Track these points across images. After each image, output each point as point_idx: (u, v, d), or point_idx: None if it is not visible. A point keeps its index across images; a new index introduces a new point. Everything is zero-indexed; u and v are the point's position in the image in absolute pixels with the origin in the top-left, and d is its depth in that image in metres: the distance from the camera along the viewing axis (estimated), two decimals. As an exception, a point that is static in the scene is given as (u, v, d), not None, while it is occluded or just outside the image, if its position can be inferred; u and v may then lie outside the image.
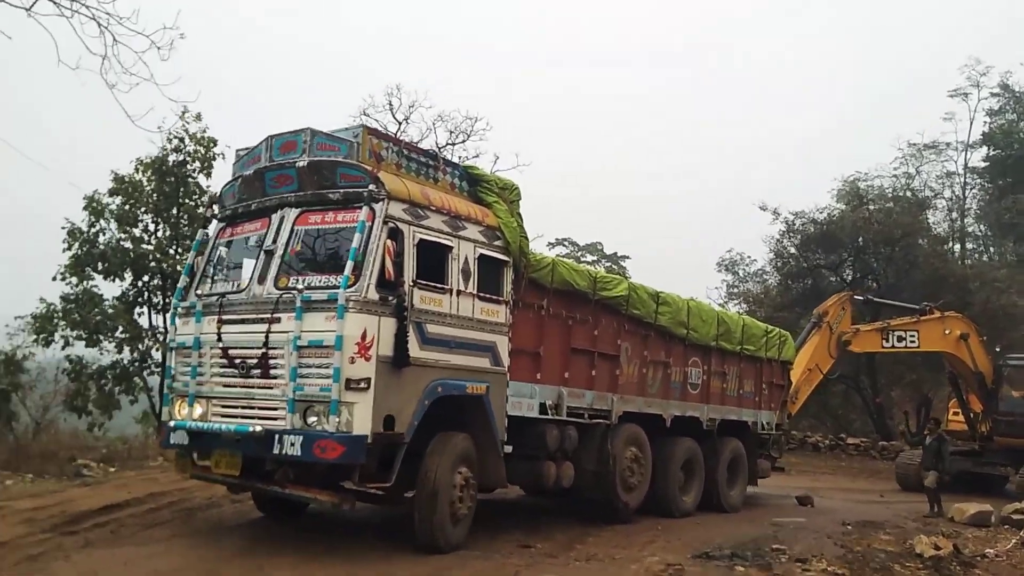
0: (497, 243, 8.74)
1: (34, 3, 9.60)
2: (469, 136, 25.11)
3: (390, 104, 24.23)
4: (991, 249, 40.48)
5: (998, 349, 18.70)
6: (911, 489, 17.26)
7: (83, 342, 14.86)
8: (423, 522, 7.73)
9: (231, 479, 7.76)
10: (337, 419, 6.98)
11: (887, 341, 17.10)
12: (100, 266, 15.00)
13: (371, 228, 7.43)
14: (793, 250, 28.48)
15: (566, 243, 44.79)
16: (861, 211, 27.50)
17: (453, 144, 24.69)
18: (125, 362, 15.12)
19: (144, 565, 7.07)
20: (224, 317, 7.78)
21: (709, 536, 10.00)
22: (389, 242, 7.39)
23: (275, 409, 7.33)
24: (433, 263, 8.04)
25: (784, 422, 14.88)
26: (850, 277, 27.79)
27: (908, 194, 34.48)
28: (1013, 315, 26.74)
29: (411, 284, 7.64)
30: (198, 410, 7.86)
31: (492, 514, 9.59)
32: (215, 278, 8.50)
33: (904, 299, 19.88)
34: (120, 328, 14.92)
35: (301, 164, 7.82)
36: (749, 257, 32.65)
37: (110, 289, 15.43)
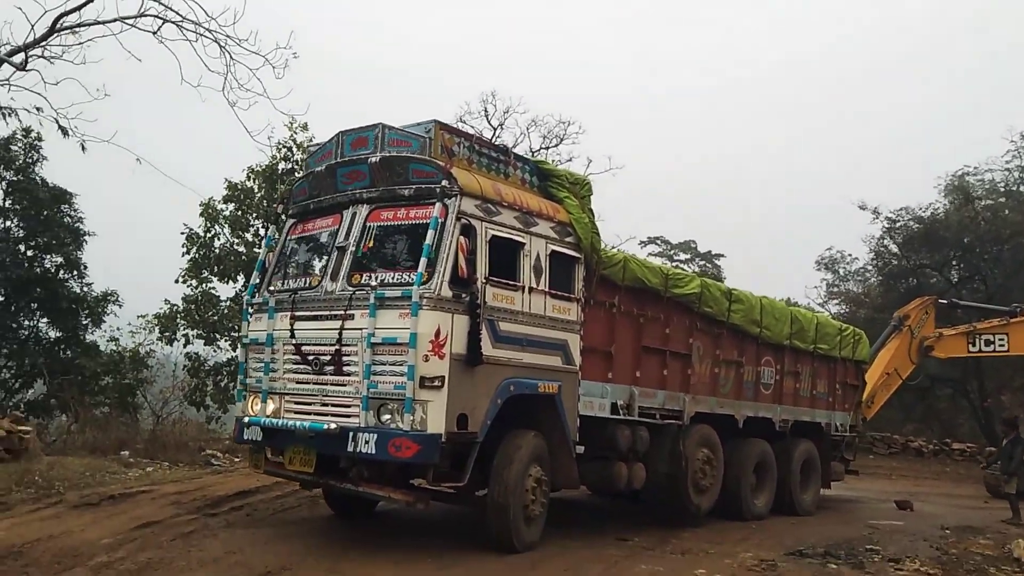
0: (568, 239, 8.59)
1: (160, 27, 10.36)
2: (562, 140, 25.25)
3: (485, 111, 24.61)
4: None
5: None
6: (1000, 496, 16.62)
7: (202, 340, 15.67)
8: (496, 521, 7.63)
9: (305, 476, 7.75)
10: (411, 417, 6.91)
11: (973, 345, 16.35)
12: (216, 269, 15.68)
13: (444, 224, 7.34)
14: (895, 249, 27.34)
15: (658, 242, 44.01)
16: (967, 209, 25.97)
17: (547, 148, 24.89)
18: (239, 359, 15.68)
19: (283, 544, 7.73)
20: (297, 313, 7.77)
21: (803, 536, 10.07)
22: (462, 239, 7.30)
23: (349, 406, 7.29)
24: (505, 260, 7.92)
25: (858, 424, 14.42)
26: (956, 278, 26.48)
27: (1022, 188, 32.79)
28: None
29: (483, 281, 7.53)
30: (271, 406, 7.87)
31: (570, 511, 9.46)
32: (287, 274, 8.52)
33: (1015, 301, 18.87)
34: (234, 327, 15.45)
35: (373, 160, 7.77)
36: (850, 255, 31.12)
37: (225, 290, 16.16)
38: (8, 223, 17.00)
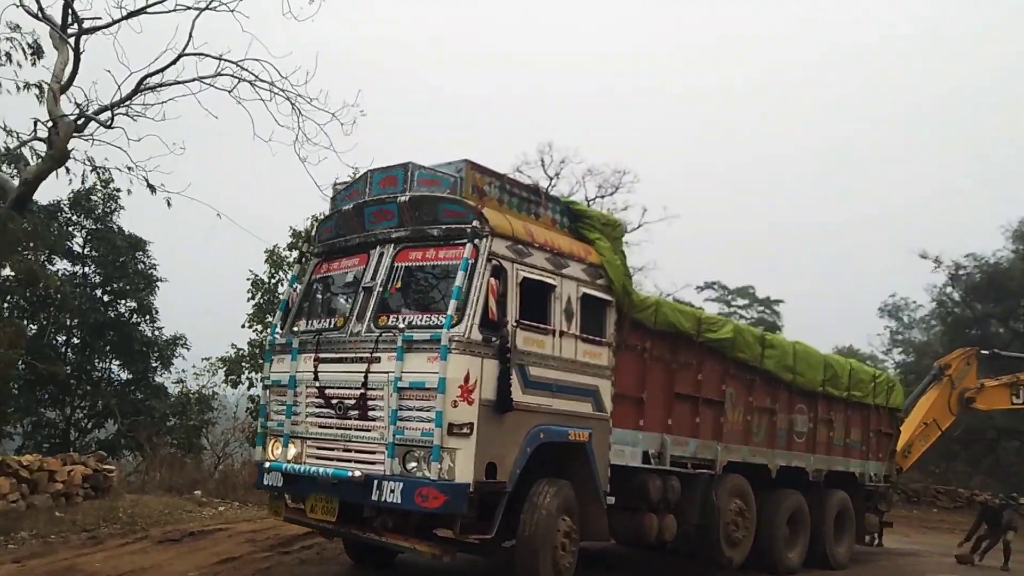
0: (600, 281, 8.36)
1: (235, 86, 11.10)
2: (617, 189, 25.60)
3: (542, 161, 25.06)
4: None
5: None
6: None
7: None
8: (525, 573, 7.30)
9: (327, 525, 7.47)
10: (439, 466, 6.64)
11: (1017, 397, 15.82)
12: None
13: (474, 266, 7.13)
14: (957, 298, 26.98)
15: (715, 287, 43.38)
16: None
17: (602, 197, 25.36)
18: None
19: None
20: (321, 355, 7.56)
21: None
22: (492, 280, 7.08)
23: (373, 453, 7.04)
24: (535, 302, 7.69)
25: (892, 474, 13.96)
26: (1022, 328, 26.08)
27: None
28: None
29: (514, 324, 7.30)
30: (292, 451, 7.63)
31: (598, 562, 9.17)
32: (311, 315, 8.32)
33: None
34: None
35: (403, 199, 7.60)
36: (914, 302, 30.93)
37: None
38: (86, 269, 17.88)
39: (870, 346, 33.38)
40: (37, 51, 11.97)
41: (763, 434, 10.72)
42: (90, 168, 12.81)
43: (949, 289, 27.04)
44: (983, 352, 16.51)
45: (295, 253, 15.98)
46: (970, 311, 26.41)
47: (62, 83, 11.89)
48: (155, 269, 18.66)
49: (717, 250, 63.85)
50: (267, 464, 7.70)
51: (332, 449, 7.36)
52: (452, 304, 6.91)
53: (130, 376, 18.01)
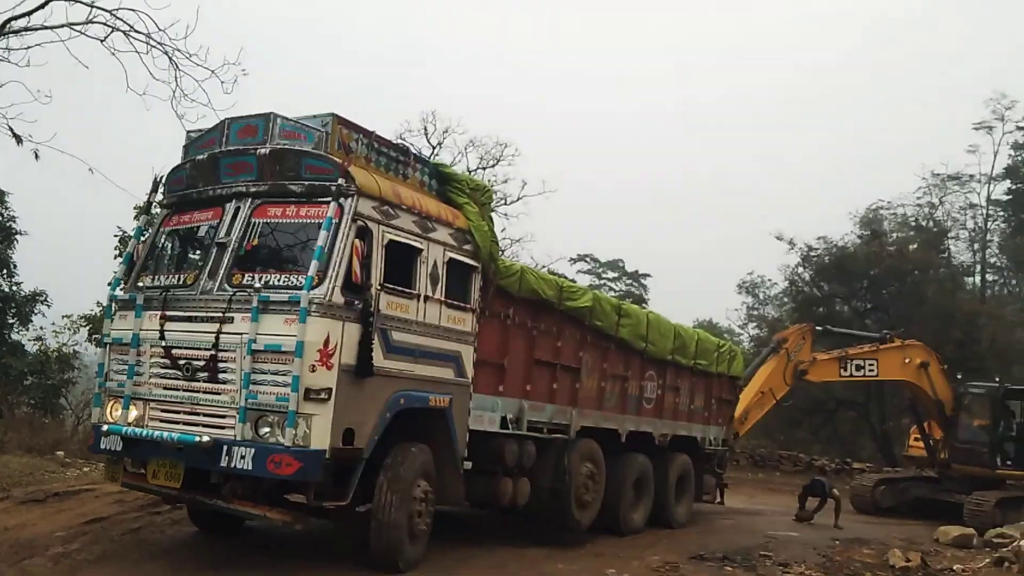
0: (467, 247, 8.27)
1: (108, 36, 10.69)
2: (499, 161, 25.49)
3: (425, 129, 24.62)
4: (1012, 282, 40.96)
5: (959, 376, 18.93)
6: (866, 512, 17.86)
7: None
8: (380, 539, 7.20)
9: (170, 491, 7.09)
10: (294, 432, 6.41)
11: (845, 370, 17.06)
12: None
13: (339, 226, 6.87)
14: (808, 278, 28.52)
15: (587, 259, 44.18)
16: (874, 244, 27.55)
17: (483, 168, 25.18)
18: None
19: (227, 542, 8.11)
20: (168, 313, 7.10)
21: (706, 544, 10.97)
22: (357, 242, 6.86)
23: (223, 417, 6.71)
24: (400, 266, 7.52)
25: (730, 439, 14.77)
26: (863, 308, 27.94)
27: (930, 224, 34.44)
28: (1020, 352, 27.57)
29: (378, 288, 7.11)
30: (133, 413, 7.16)
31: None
32: (158, 270, 7.80)
33: (915, 333, 19.89)
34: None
35: (263, 152, 7.20)
36: (770, 280, 32.38)
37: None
38: None
39: (728, 320, 35.16)
40: None
41: (615, 400, 11.03)
42: None
43: (800, 270, 28.85)
44: (818, 329, 17.67)
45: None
46: (817, 291, 28.26)
47: None
48: (14, 222, 17.95)
49: (593, 224, 65.60)
50: (105, 427, 7.20)
51: (178, 412, 6.96)
52: (313, 265, 6.64)
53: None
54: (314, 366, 6.52)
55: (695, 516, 13.45)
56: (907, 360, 17.17)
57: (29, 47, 11.19)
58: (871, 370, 17.02)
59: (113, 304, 7.64)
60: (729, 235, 69.46)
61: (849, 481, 20.28)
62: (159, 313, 7.13)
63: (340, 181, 6.94)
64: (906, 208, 35.30)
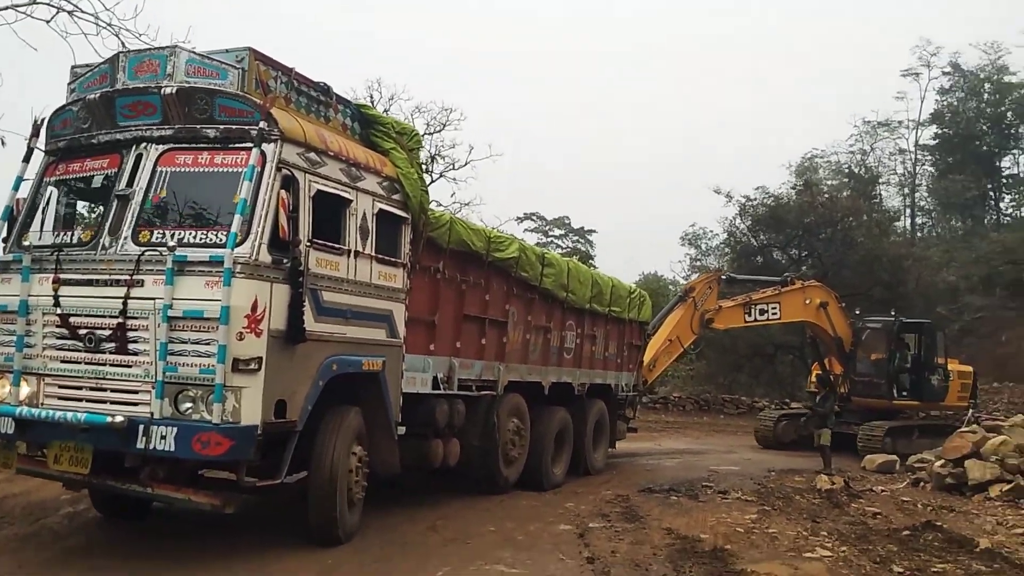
0: (396, 197, 7.66)
1: (53, 17, 10.21)
2: (444, 126, 25.41)
3: (371, 97, 23.92)
4: (940, 225, 42.58)
5: (857, 312, 19.64)
6: (769, 447, 18.73)
7: None
8: (319, 511, 6.72)
9: (77, 477, 6.29)
10: (222, 407, 5.75)
11: (750, 315, 17.30)
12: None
13: (261, 175, 6.15)
14: (745, 228, 28.92)
15: (534, 218, 43.87)
16: (806, 194, 28.20)
17: (430, 134, 24.97)
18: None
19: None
20: (64, 276, 6.22)
21: (655, 479, 12.42)
22: (283, 193, 6.17)
23: (136, 392, 5.97)
24: (327, 219, 6.86)
25: (640, 384, 14.84)
26: (797, 255, 28.56)
27: (861, 171, 35.19)
28: (944, 291, 29.19)
29: (307, 244, 6.44)
30: (25, 390, 6.30)
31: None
32: (44, 227, 6.82)
33: (844, 277, 20.44)
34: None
35: (168, 91, 6.33)
36: (711, 232, 32.71)
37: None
38: None
39: (672, 271, 35.63)
40: None
41: (539, 352, 10.75)
42: None
43: (738, 221, 29.47)
44: (723, 278, 17.92)
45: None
46: (755, 240, 28.88)
47: None
48: None
49: (539, 184, 64.57)
50: (-7, 408, 6.29)
51: (80, 388, 6.16)
52: (236, 220, 5.92)
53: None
54: (241, 333, 5.85)
55: (637, 457, 14.70)
56: (807, 301, 17.65)
57: None
58: (774, 313, 17.40)
59: None
60: (672, 189, 69.83)
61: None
62: (52, 276, 6.24)
63: (262, 124, 6.18)
64: (839, 156, 36.36)
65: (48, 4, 10.53)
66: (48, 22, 10.43)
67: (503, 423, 9.72)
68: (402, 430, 7.74)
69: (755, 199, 29.46)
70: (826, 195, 29.33)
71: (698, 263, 33.01)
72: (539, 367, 10.75)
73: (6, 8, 10.46)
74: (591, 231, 45.67)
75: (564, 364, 11.49)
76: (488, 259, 9.24)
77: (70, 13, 10.42)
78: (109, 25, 10.23)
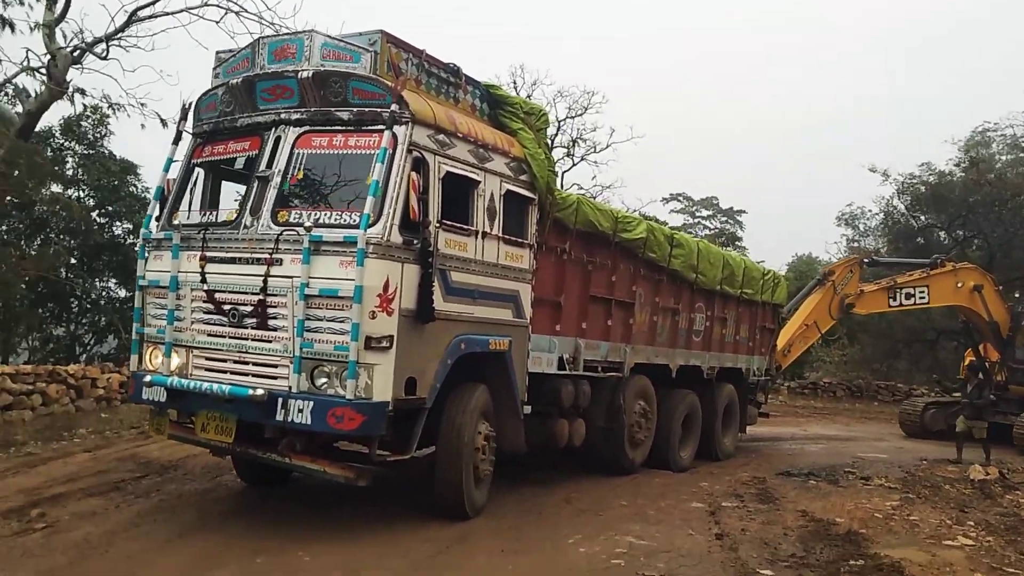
0: (523, 177, 7.64)
1: (222, 17, 12.39)
2: (586, 110, 25.68)
3: (514, 83, 24.57)
4: None
5: (1017, 295, 18.30)
6: (915, 436, 17.80)
7: None
8: (446, 485, 6.86)
9: (222, 445, 6.65)
10: (355, 383, 5.92)
11: (894, 300, 16.34)
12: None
13: (393, 157, 6.24)
14: (903, 209, 27.39)
15: (680, 199, 43.25)
16: (972, 172, 26.05)
17: (572, 118, 25.52)
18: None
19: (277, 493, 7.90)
20: (209, 254, 6.54)
21: (795, 463, 12.14)
22: (414, 175, 6.24)
23: (275, 367, 6.21)
24: (456, 200, 6.92)
25: (772, 368, 14.35)
26: (961, 236, 26.76)
27: None
28: None
29: (436, 225, 6.51)
30: (176, 361, 6.68)
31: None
32: (192, 206, 7.19)
33: (1015, 259, 18.88)
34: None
35: (305, 75, 6.51)
36: (870, 211, 30.45)
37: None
38: (80, 193, 17.55)
39: (827, 253, 34.05)
40: None
41: (666, 334, 10.56)
42: (106, 105, 13.74)
43: (895, 201, 27.64)
44: (865, 261, 17.03)
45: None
46: (914, 221, 27.27)
47: (56, 16, 12.32)
48: (148, 192, 18.07)
49: (687, 165, 63.60)
50: (148, 377, 6.71)
51: (224, 361, 6.47)
52: (369, 201, 6.03)
53: (129, 294, 17.21)
54: (374, 312, 5.99)
55: (780, 441, 14.54)
56: (959, 284, 16.48)
57: (154, 33, 12.90)
58: (922, 298, 16.35)
59: (146, 244, 7.06)
60: (830, 172, 66.79)
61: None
62: (199, 254, 6.57)
63: (393, 107, 6.28)
64: (1016, 128, 33.33)
65: (217, 6, 12.23)
66: (218, 23, 12.08)
67: (629, 405, 9.61)
68: (527, 409, 7.76)
69: (916, 176, 27.56)
70: (992, 173, 27.05)
71: (855, 244, 30.94)
72: (666, 349, 10.55)
73: (181, 11, 12.16)
74: (741, 211, 43.95)
75: (693, 347, 11.23)
76: (615, 240, 9.11)
77: (237, 13, 12.05)
78: (272, 24, 11.37)
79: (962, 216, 26.03)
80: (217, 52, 7.39)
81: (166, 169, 7.31)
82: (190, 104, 7.36)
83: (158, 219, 7.16)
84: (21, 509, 6.74)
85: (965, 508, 8.91)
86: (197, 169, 7.30)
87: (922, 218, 27.24)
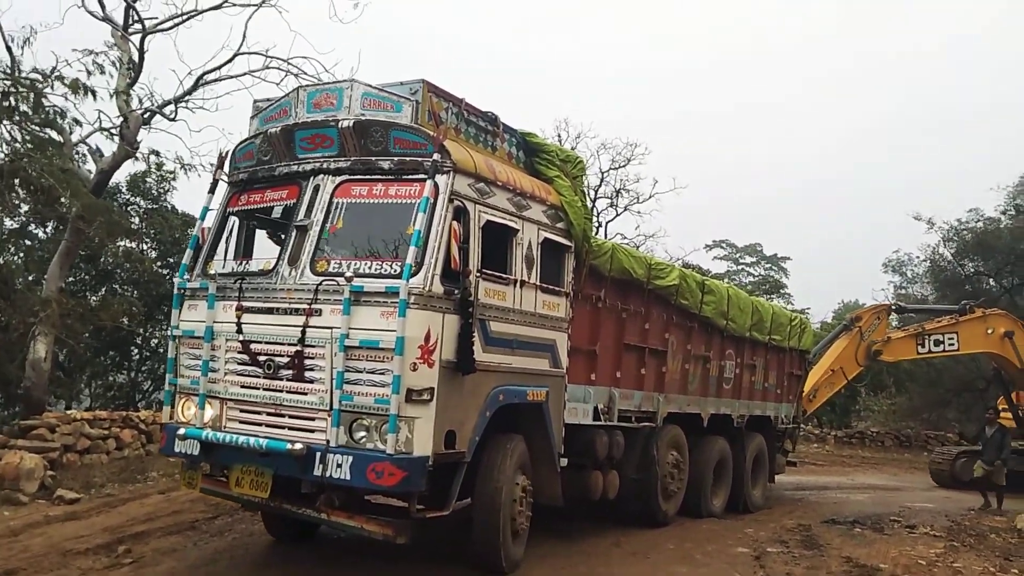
0: (559, 225, 7.57)
1: (282, 80, 12.92)
2: (629, 161, 25.75)
3: (559, 136, 24.76)
4: None
5: None
6: (944, 485, 17.41)
7: None
8: (484, 540, 6.67)
9: (255, 500, 6.49)
10: (395, 437, 5.77)
11: (923, 347, 16.15)
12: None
13: (434, 206, 6.17)
14: (950, 257, 27.25)
15: (723, 245, 43.39)
16: (1018, 220, 26.11)
17: (616, 169, 25.82)
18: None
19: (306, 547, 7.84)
20: (246, 304, 6.45)
21: (840, 511, 12.15)
22: (455, 224, 6.15)
23: (312, 419, 6.07)
24: (494, 249, 6.83)
25: (799, 415, 14.13)
26: (1010, 284, 26.55)
27: None
28: None
29: (476, 274, 6.42)
30: (209, 413, 6.55)
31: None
32: (227, 255, 7.12)
33: None
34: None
35: (345, 124, 6.48)
36: (917, 258, 30.36)
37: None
38: (143, 246, 18.44)
39: (874, 299, 33.78)
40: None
41: (697, 382, 10.40)
42: (179, 165, 14.40)
43: (941, 249, 27.43)
44: (893, 308, 16.84)
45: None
46: (961, 269, 27.00)
47: (128, 81, 13.10)
48: None
49: (728, 214, 64.28)
50: (181, 430, 6.58)
51: (259, 413, 6.34)
52: (411, 251, 5.95)
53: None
54: (415, 364, 5.86)
55: (827, 490, 14.47)
56: (989, 331, 16.25)
57: (219, 96, 13.83)
58: (951, 344, 16.12)
59: (181, 294, 6.98)
60: (875, 220, 66.98)
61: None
62: (235, 304, 6.48)
63: (435, 156, 6.22)
64: None
65: (278, 68, 13.11)
66: (279, 84, 12.81)
67: (662, 455, 9.42)
68: (564, 462, 7.59)
69: (963, 222, 27.15)
70: None
71: (902, 291, 30.48)
72: (698, 398, 10.39)
73: (244, 74, 13.15)
74: (785, 258, 43.82)
75: (723, 395, 11.06)
76: (649, 287, 9.01)
77: (296, 75, 12.78)
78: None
79: (1010, 264, 25.68)
80: (255, 101, 7.39)
81: (202, 218, 7.28)
82: (226, 153, 7.34)
83: (191, 268, 7.10)
84: (108, 545, 7.37)
85: (1010, 557, 8.88)
86: (232, 218, 7.25)
87: (969, 265, 26.94)
